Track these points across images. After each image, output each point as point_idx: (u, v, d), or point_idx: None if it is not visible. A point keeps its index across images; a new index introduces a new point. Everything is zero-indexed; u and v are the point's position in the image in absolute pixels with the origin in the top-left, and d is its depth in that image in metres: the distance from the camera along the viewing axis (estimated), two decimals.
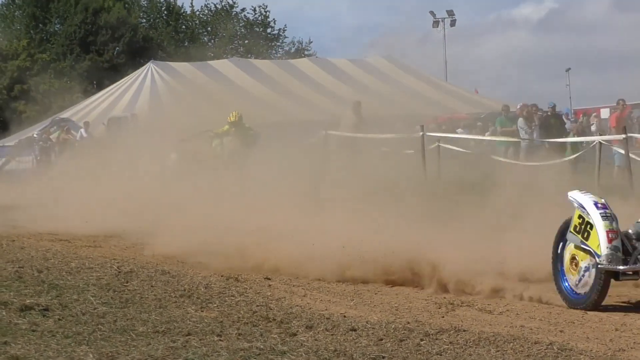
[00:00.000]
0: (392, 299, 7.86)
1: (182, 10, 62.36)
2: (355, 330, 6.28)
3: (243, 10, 62.66)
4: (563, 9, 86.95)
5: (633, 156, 16.79)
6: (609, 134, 19.80)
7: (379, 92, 37.91)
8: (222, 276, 8.49)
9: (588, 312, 7.22)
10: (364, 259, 8.52)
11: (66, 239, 11.46)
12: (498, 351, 5.78)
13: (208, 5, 63.01)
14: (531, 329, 6.58)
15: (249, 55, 55.14)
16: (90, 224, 12.19)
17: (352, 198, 11.30)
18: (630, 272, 7.28)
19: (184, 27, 62.46)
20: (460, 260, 8.11)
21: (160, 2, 62.62)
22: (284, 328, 6.27)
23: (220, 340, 5.75)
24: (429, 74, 43.99)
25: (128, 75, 41.77)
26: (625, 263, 7.23)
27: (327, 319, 6.67)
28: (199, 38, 61.54)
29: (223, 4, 62.36)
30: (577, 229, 7.50)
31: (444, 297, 7.84)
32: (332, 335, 6.13)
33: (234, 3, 62.32)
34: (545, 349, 5.83)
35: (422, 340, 6.03)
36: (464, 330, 6.31)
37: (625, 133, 17.27)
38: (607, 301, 7.42)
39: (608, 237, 7.22)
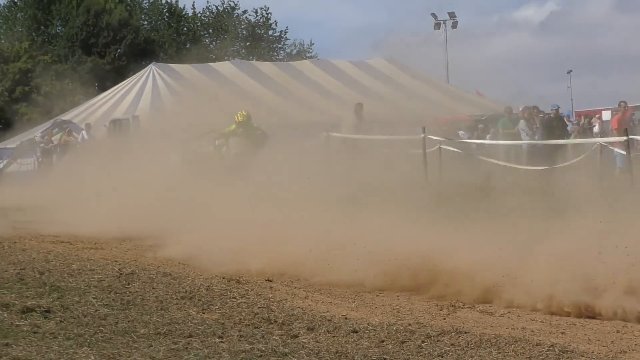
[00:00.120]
0: (394, 301, 7.86)
1: (183, 12, 62.44)
2: (356, 332, 6.28)
3: (245, 12, 62.83)
4: (564, 10, 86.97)
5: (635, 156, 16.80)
6: (610, 136, 19.79)
7: (380, 94, 37.92)
8: (223, 278, 8.49)
9: (589, 314, 7.20)
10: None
11: (67, 240, 11.47)
12: (499, 353, 5.78)
13: (210, 7, 63.19)
14: (533, 331, 6.58)
15: (251, 57, 55.17)
16: (114, 227, 12.08)
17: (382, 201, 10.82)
18: None
19: (185, 29, 62.52)
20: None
21: (162, 4, 62.69)
22: (285, 330, 6.27)
23: (221, 342, 5.75)
24: (430, 76, 43.97)
25: (130, 77, 41.78)
26: None
27: (328, 320, 6.68)
28: (201, 40, 61.58)
29: (225, 5, 62.50)
30: None
31: (445, 299, 7.84)
32: (333, 337, 6.13)
33: (236, 5, 62.48)
34: (546, 351, 5.83)
35: (423, 342, 6.03)
36: (466, 332, 6.31)
37: (627, 135, 17.27)
38: None
39: None
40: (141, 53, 54.99)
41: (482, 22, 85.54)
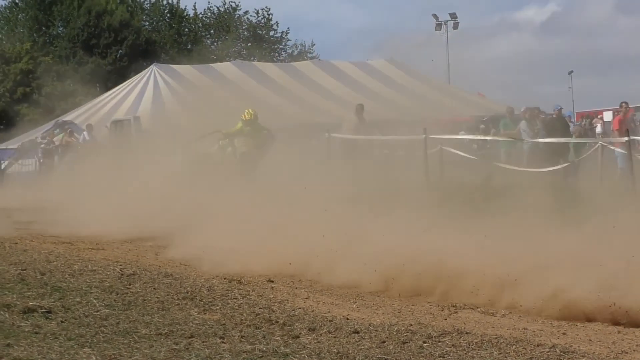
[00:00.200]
0: (395, 302, 7.86)
1: (185, 13, 62.41)
2: (358, 332, 6.28)
3: (246, 12, 62.83)
4: (566, 11, 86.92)
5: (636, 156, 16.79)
6: (612, 137, 19.78)
7: (381, 95, 37.91)
8: (224, 279, 8.50)
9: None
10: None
11: (69, 241, 11.47)
12: (501, 354, 5.78)
13: (211, 8, 63.19)
14: (534, 332, 6.58)
15: (252, 58, 55.13)
16: (115, 227, 12.07)
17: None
18: None
19: (187, 29, 62.50)
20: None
21: (163, 4, 62.70)
22: (286, 330, 6.28)
23: (222, 342, 5.75)
24: (431, 77, 43.96)
25: (131, 78, 41.79)
26: None
27: (329, 321, 6.68)
28: (202, 41, 61.58)
29: (226, 6, 62.51)
30: None
31: (447, 300, 7.84)
32: (334, 337, 6.13)
33: (237, 6, 62.49)
34: (547, 352, 5.83)
35: (424, 342, 6.03)
36: (467, 333, 6.31)
37: (628, 136, 17.26)
38: None
39: None
40: (142, 54, 55.00)
41: (483, 23, 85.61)
